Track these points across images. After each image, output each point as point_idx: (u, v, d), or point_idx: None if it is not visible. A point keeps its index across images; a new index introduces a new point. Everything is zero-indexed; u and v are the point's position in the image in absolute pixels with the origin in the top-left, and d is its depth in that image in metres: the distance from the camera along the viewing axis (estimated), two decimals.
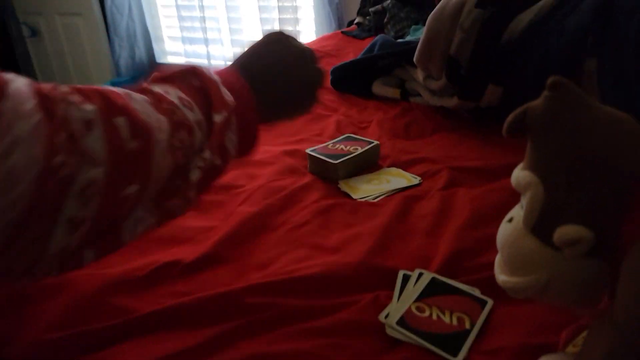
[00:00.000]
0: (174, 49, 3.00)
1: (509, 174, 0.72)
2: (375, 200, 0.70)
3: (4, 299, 0.53)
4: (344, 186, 0.74)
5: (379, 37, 1.12)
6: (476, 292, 0.49)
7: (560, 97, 0.37)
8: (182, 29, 2.89)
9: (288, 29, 2.54)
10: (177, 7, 2.84)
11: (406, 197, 0.68)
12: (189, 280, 0.57)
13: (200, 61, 2.84)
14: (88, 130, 0.33)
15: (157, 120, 0.38)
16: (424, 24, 1.46)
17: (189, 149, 0.41)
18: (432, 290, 0.49)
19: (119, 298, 0.54)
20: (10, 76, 0.31)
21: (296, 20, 2.52)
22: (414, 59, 0.96)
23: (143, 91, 0.41)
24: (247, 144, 0.48)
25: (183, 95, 0.42)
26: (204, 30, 2.75)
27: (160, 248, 0.63)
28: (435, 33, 0.91)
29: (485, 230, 0.58)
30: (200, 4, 2.69)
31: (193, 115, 0.42)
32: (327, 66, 1.39)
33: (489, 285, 0.50)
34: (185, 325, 0.50)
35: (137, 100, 0.38)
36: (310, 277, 0.53)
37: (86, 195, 0.32)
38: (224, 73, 0.46)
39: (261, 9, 2.57)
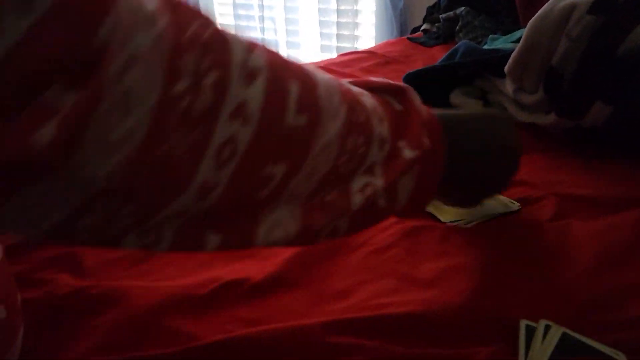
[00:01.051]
0: None
1: (627, 206, 0.62)
2: (468, 225, 0.61)
3: (49, 310, 0.46)
4: (428, 205, 0.65)
5: (461, 44, 1.02)
6: (622, 358, 0.39)
7: None
8: (237, 27, 2.86)
9: (345, 33, 2.46)
10: (234, 4, 2.81)
11: (506, 226, 0.59)
12: (256, 305, 0.49)
13: None
14: (248, 80, 0.26)
15: (335, 108, 0.31)
16: (502, 34, 1.36)
17: (357, 161, 0.34)
18: (566, 350, 0.39)
19: (176, 319, 0.46)
20: None
21: (355, 25, 2.44)
22: (506, 69, 0.86)
23: (335, 79, 0.34)
24: (415, 205, 0.40)
25: (378, 107, 0.35)
26: (262, 30, 2.71)
27: (222, 262, 0.56)
28: (536, 41, 0.80)
29: (616, 276, 0.48)
30: (260, 3, 2.65)
31: (379, 128, 0.34)
32: (394, 72, 1.31)
33: (635, 349, 0.40)
34: None
35: (321, 76, 0.32)
36: (405, 317, 0.44)
37: (222, 155, 0.26)
38: (427, 114, 0.40)
39: (320, 11, 2.50)
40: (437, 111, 0.42)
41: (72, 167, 0.21)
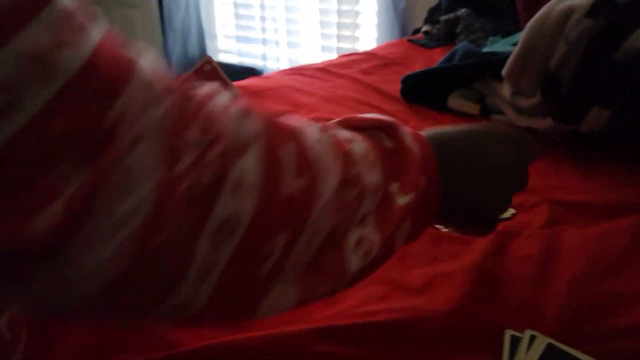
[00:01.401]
0: (227, 47, 2.96)
1: (623, 212, 0.61)
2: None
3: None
4: None
5: (460, 46, 1.02)
6: None
7: None
8: (237, 27, 2.85)
9: (347, 34, 2.46)
10: (235, 4, 2.81)
11: (498, 233, 0.57)
12: None
13: (254, 61, 2.79)
14: (240, 152, 0.25)
15: (330, 164, 0.30)
16: (503, 36, 1.35)
17: (351, 218, 0.32)
18: None
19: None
20: (138, 48, 0.24)
21: (356, 26, 2.43)
22: (504, 72, 0.85)
23: (325, 129, 0.33)
24: (412, 241, 0.39)
25: (369, 151, 0.34)
26: (263, 30, 2.70)
27: None
28: (534, 44, 0.80)
29: (608, 284, 0.47)
30: (261, 3, 2.64)
31: (371, 177, 0.33)
32: (394, 74, 1.30)
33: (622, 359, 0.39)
34: None
35: (313, 132, 0.31)
36: (391, 325, 0.44)
37: (223, 231, 0.24)
38: (419, 141, 0.37)
39: (321, 12, 2.50)
40: (424, 132, 0.40)
41: (70, 257, 0.19)
